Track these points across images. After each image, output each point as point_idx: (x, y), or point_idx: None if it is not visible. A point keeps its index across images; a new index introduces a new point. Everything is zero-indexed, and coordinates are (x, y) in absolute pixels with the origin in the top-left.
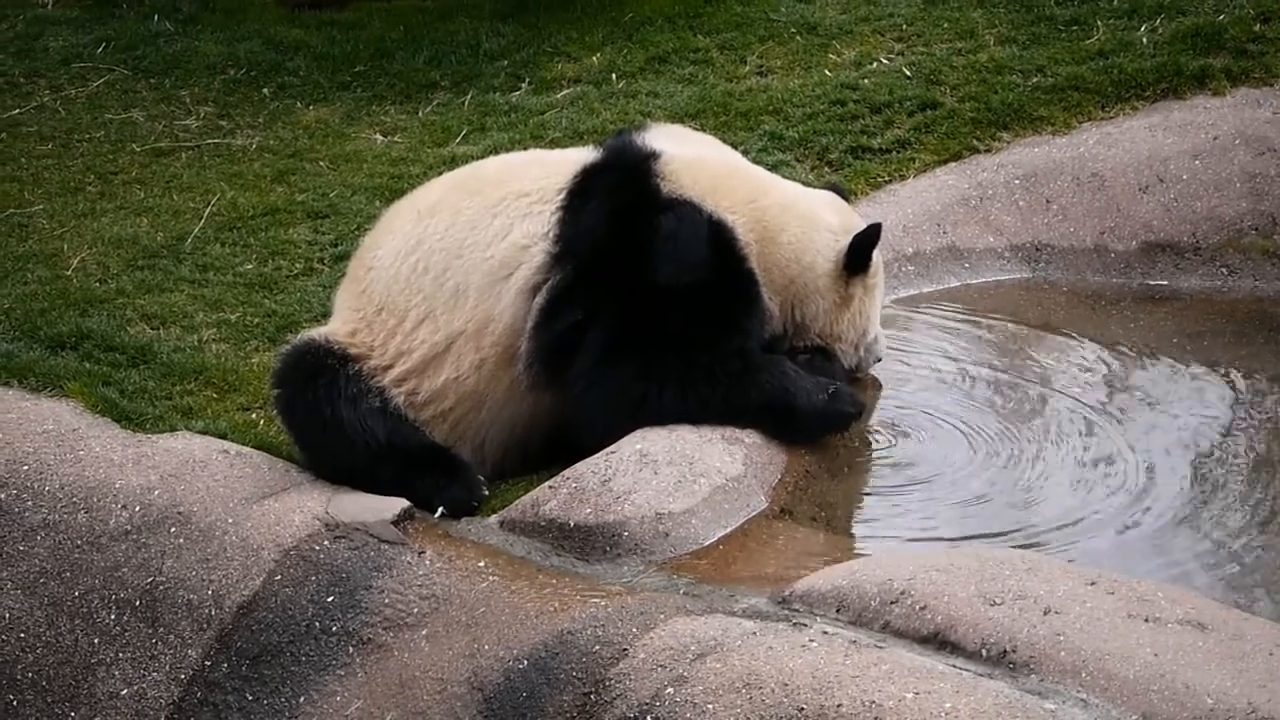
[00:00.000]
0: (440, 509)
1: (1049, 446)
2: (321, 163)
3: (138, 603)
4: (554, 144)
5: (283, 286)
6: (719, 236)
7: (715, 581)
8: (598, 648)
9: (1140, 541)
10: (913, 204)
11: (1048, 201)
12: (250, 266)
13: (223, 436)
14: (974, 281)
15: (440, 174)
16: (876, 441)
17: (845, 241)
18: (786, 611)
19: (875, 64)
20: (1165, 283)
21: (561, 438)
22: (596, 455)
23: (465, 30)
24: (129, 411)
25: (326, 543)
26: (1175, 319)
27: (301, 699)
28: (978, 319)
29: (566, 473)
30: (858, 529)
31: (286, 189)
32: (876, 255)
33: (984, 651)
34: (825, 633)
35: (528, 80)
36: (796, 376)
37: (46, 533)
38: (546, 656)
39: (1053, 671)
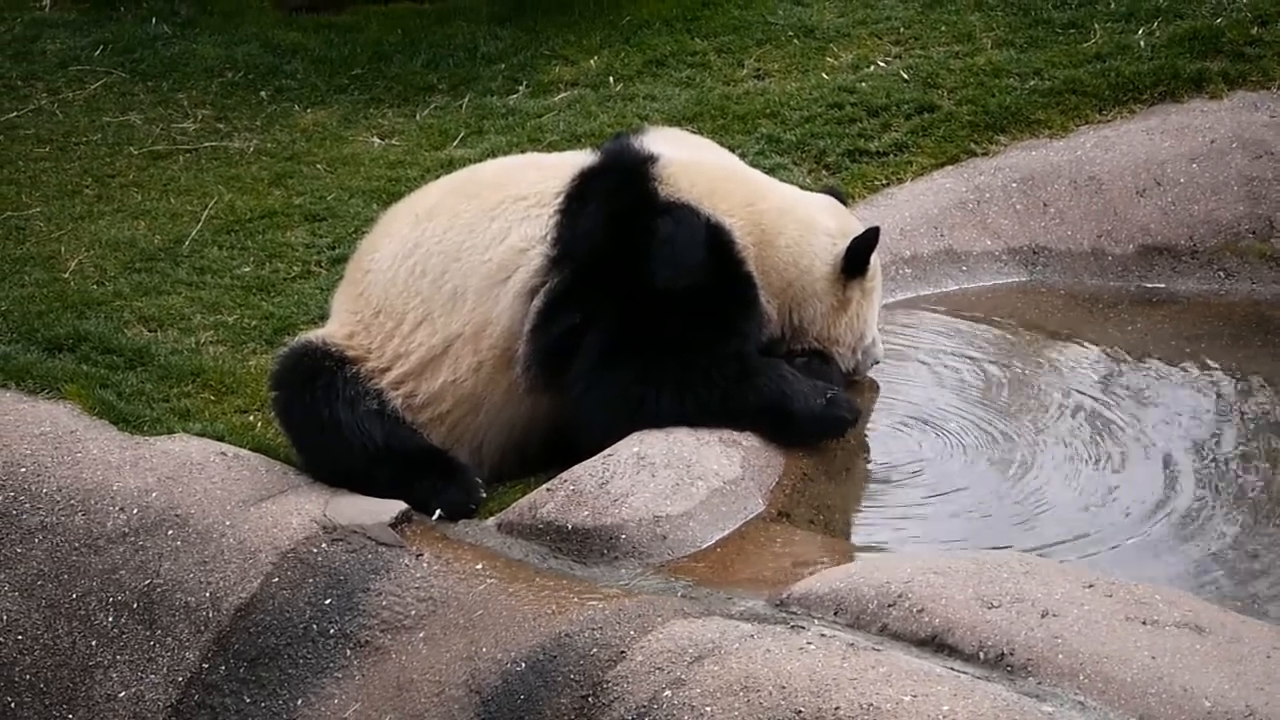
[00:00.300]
0: (438, 511)
1: (1046, 449)
2: (319, 165)
3: (135, 605)
4: (551, 147)
5: (280, 289)
6: (717, 240)
7: (713, 584)
8: (595, 650)
9: (1139, 545)
10: (910, 207)
11: (1045, 205)
12: (248, 269)
13: (220, 439)
14: (971, 285)
15: (438, 177)
16: (873, 445)
17: (843, 245)
18: (784, 614)
19: (872, 67)
20: (1162, 286)
21: (559, 440)
22: (594, 458)
23: (463, 33)
24: (126, 414)
25: (324, 545)
26: (1172, 322)
27: (299, 701)
28: (976, 321)
29: (564, 475)
30: (855, 532)
31: (284, 192)
32: (874, 259)
33: (982, 654)
34: (823, 635)
35: (525, 83)
36: (794, 380)
37: (44, 535)
38: (544, 659)
39: (1050, 674)
